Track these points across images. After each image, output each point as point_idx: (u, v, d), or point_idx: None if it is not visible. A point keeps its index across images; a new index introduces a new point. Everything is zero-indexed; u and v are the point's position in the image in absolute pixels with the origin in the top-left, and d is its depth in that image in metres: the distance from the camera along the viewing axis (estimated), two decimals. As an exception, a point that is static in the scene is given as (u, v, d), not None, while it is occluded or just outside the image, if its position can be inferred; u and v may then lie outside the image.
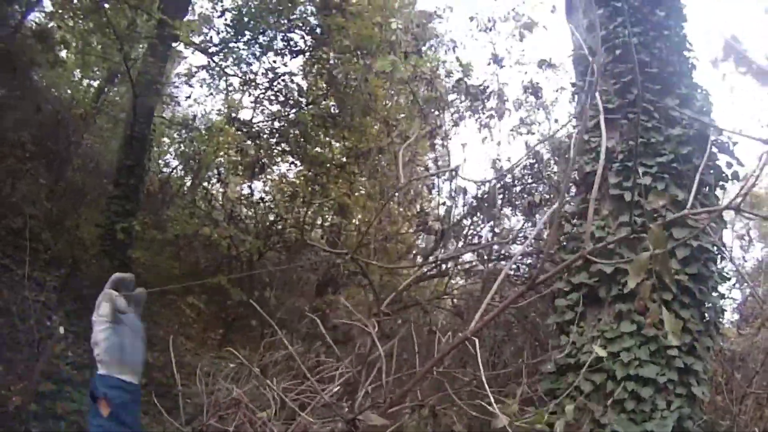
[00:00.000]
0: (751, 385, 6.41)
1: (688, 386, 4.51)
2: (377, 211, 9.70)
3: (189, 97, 10.76)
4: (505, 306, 5.12)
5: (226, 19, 9.98)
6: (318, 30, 9.55)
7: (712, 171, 5.10)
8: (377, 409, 4.20)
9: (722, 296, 5.24)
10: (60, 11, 9.44)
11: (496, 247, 8.80)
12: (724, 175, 5.20)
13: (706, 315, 4.83)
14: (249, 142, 10.20)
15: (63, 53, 10.24)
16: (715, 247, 5.01)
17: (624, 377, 4.71)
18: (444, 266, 9.35)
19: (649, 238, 4.37)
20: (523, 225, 9.09)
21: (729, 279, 5.43)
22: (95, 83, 11.89)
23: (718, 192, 5.23)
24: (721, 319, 5.41)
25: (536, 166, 8.96)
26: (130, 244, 9.05)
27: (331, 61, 9.58)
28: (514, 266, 8.56)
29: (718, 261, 5.10)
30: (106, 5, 8.67)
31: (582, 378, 4.71)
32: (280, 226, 9.92)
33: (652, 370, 4.58)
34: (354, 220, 11.00)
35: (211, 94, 11.10)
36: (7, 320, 7.61)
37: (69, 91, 11.29)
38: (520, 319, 7.93)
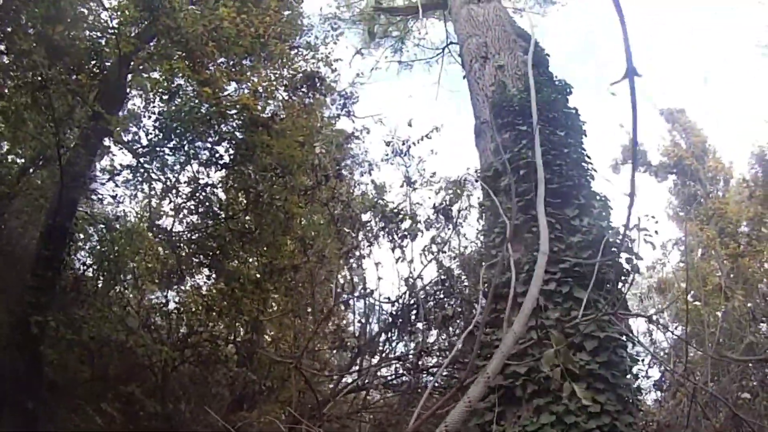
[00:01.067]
0: None
1: (617, 465, 4.72)
2: (302, 332, 9.76)
3: (115, 196, 10.65)
4: (433, 411, 5.32)
5: (156, 122, 10.17)
6: (243, 145, 9.91)
7: (612, 269, 5.67)
8: None
9: (636, 377, 5.63)
10: (2, 77, 9.31)
11: (413, 359, 9.01)
12: (625, 270, 5.80)
13: (623, 396, 5.16)
14: (168, 251, 10.12)
15: None
16: (623, 335, 5.46)
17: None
18: (361, 381, 9.39)
19: (552, 340, 4.86)
20: (437, 338, 9.39)
21: (638, 361, 5.86)
22: (20, 161, 11.46)
23: (623, 285, 5.80)
24: (639, 397, 5.77)
25: (448, 281, 9.43)
26: (41, 340, 8.50)
27: (253, 177, 9.91)
28: (435, 377, 8.76)
29: (630, 346, 5.55)
30: (49, 84, 8.68)
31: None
32: (194, 339, 9.69)
33: (577, 455, 4.78)
34: (267, 336, 10.90)
35: (135, 195, 11.03)
36: None
37: None
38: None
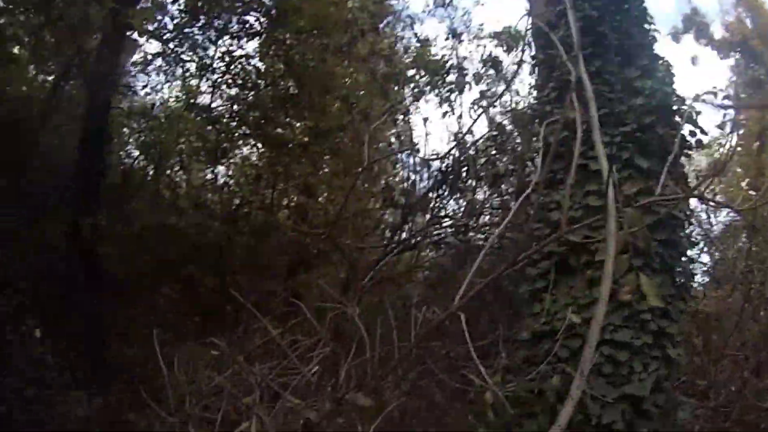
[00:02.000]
0: (726, 346, 6.67)
1: (663, 349, 4.67)
2: (346, 191, 9.70)
3: (146, 86, 10.51)
4: (489, 280, 5.24)
5: (180, 5, 9.68)
6: (273, 11, 9.35)
7: (676, 140, 5.26)
8: (362, 388, 4.27)
9: (692, 260, 5.43)
10: (10, 6, 9.04)
11: (463, 218, 8.94)
12: (688, 143, 5.38)
13: (677, 279, 5.00)
14: (209, 128, 10.02)
15: (15, 49, 9.81)
16: (683, 214, 5.18)
17: (600, 342, 4.85)
18: (413, 240, 9.45)
19: (626, 220, 4.53)
20: (489, 196, 9.21)
21: (697, 243, 5.63)
22: (50, 78, 11.44)
23: (684, 160, 5.41)
24: (692, 283, 5.61)
25: (499, 137, 9.06)
26: (97, 242, 8.85)
27: (288, 42, 9.43)
28: (482, 236, 8.72)
29: (686, 226, 5.29)
30: None
31: (558, 345, 4.86)
32: (246, 210, 9.83)
33: (626, 335, 4.71)
34: (320, 199, 10.98)
35: (168, 81, 10.84)
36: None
37: (24, 88, 10.85)
38: (493, 289, 8.07)
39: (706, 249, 8.80)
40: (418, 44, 10.11)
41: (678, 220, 5.09)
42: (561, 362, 5.01)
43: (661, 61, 5.79)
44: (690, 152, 5.47)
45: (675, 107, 5.36)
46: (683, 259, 5.12)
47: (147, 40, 10.40)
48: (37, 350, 7.45)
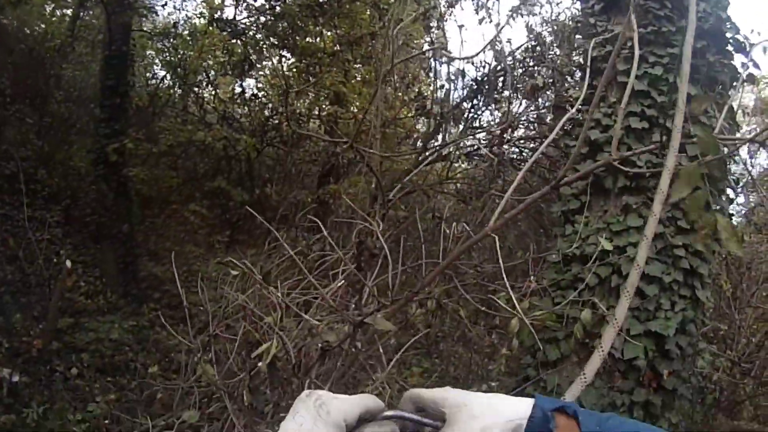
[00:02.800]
0: (753, 296, 6.53)
1: (692, 288, 4.58)
2: (371, 96, 9.42)
3: (165, 4, 10.17)
4: (528, 204, 5.11)
5: None
6: None
7: (726, 70, 4.91)
8: (385, 308, 4.28)
9: (731, 200, 5.22)
10: None
11: (498, 130, 8.67)
12: (738, 75, 5.02)
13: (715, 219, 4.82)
14: (235, 41, 9.70)
15: None
16: (728, 148, 4.92)
17: (629, 273, 4.77)
18: (445, 151, 9.26)
19: (700, 145, 4.26)
20: (526, 108, 8.89)
21: (739, 182, 5.40)
22: (69, 12, 11.20)
23: (732, 92, 5.08)
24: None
25: (538, 48, 8.62)
26: (124, 164, 8.90)
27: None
28: (516, 151, 8.51)
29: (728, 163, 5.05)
30: None
31: (587, 270, 4.80)
32: (276, 121, 9.68)
33: (657, 269, 4.62)
34: (351, 108, 10.75)
35: None
36: (16, 266, 7.66)
37: (42, 26, 10.64)
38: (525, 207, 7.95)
39: (742, 190, 8.45)
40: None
41: (722, 158, 4.83)
42: (590, 289, 4.98)
43: (716, -18, 5.33)
44: (740, 85, 5.12)
45: (729, 35, 4.96)
46: (722, 198, 4.91)
47: None
48: (69, 281, 7.64)
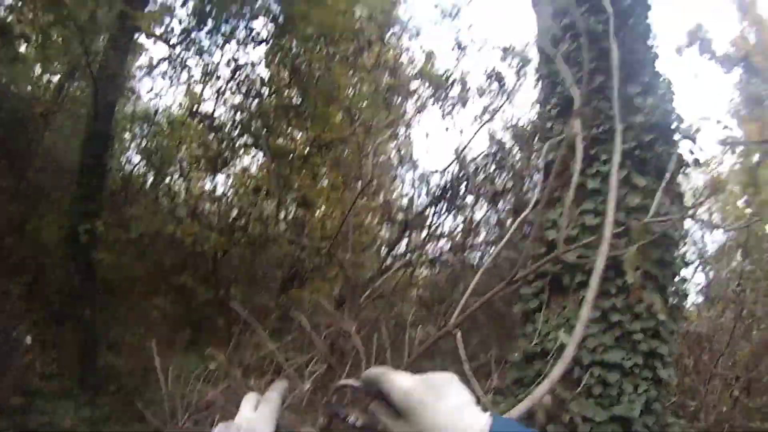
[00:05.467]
0: (717, 365, 6.55)
1: (653, 369, 4.58)
2: (345, 205, 9.62)
3: (151, 90, 10.54)
4: (486, 299, 5.10)
5: (187, 8, 9.73)
6: (281, 18, 9.35)
7: (674, 158, 5.16)
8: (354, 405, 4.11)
9: (684, 280, 5.32)
10: (19, 4, 9.09)
11: (461, 236, 8.83)
12: (685, 162, 5.28)
13: (670, 299, 4.89)
14: (211, 136, 9.97)
15: (22, 48, 9.86)
16: (677, 233, 5.08)
17: (590, 363, 4.74)
18: (409, 257, 9.33)
19: (633, 233, 4.39)
20: (487, 213, 9.11)
21: (690, 263, 5.52)
22: (55, 78, 11.51)
23: (681, 178, 5.32)
24: (684, 303, 5.50)
25: (499, 154, 8.98)
26: (94, 246, 8.78)
27: (294, 50, 9.41)
28: (478, 254, 8.62)
29: (680, 246, 5.18)
30: None
31: (549, 366, 4.73)
32: (243, 221, 9.74)
33: (617, 355, 4.63)
34: (317, 213, 10.89)
35: (173, 86, 10.85)
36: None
37: (29, 88, 10.89)
38: (486, 308, 7.96)
39: (700, 268, 8.68)
40: (423, 56, 10.09)
41: (672, 240, 4.98)
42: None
43: (662, 78, 5.73)
44: (687, 170, 5.37)
45: (674, 125, 5.27)
46: (676, 279, 5.00)
47: (154, 43, 10.44)
48: (27, 358, 7.30)
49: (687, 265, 5.30)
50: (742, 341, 7.06)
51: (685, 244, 5.40)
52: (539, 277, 5.52)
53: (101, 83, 9.26)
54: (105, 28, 9.76)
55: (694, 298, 9.02)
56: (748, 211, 10.43)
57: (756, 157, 16.20)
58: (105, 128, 9.72)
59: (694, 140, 5.22)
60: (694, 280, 8.75)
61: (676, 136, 5.26)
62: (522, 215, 4.93)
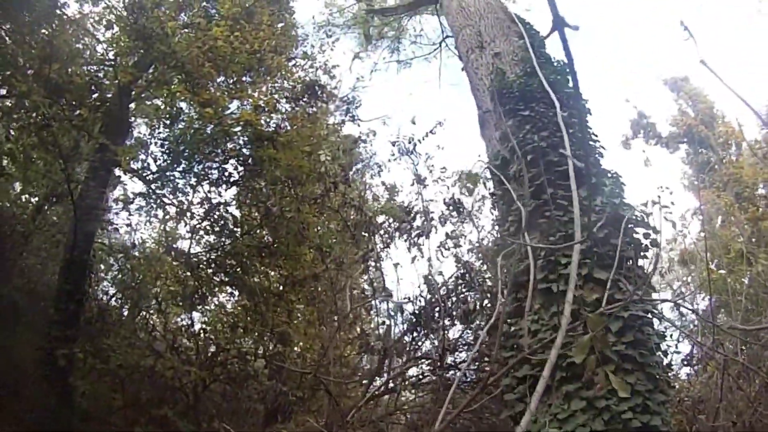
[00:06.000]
0: (716, 419, 6.63)
1: (651, 444, 4.68)
2: (322, 340, 9.78)
3: (129, 224, 10.89)
4: (461, 409, 5.30)
5: (163, 147, 10.29)
6: (251, 161, 9.98)
7: (632, 245, 5.62)
8: None
9: (665, 353, 5.56)
10: (6, 120, 9.48)
11: (438, 357, 8.98)
12: (643, 245, 5.74)
13: (654, 373, 5.10)
14: (187, 273, 10.22)
15: (5, 163, 10.15)
16: (648, 312, 5.40)
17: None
18: (392, 383, 9.38)
19: (589, 324, 4.81)
20: (462, 333, 9.35)
21: (665, 337, 5.80)
22: (34, 200, 11.77)
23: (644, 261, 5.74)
24: (670, 374, 5.71)
25: (467, 275, 9.39)
26: (70, 372, 8.66)
27: (264, 191, 9.96)
28: (460, 373, 8.71)
29: (657, 322, 5.49)
30: (52, 122, 8.84)
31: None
32: (222, 357, 9.76)
33: (612, 438, 4.74)
34: (295, 348, 10.94)
35: (149, 221, 11.23)
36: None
37: (8, 205, 11.09)
38: (476, 422, 8.02)
39: (680, 339, 8.94)
40: (386, 191, 10.74)
41: (643, 319, 5.29)
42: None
43: (609, 175, 6.31)
44: (646, 253, 5.80)
45: (627, 216, 5.76)
46: (657, 353, 5.25)
47: (130, 178, 10.89)
48: None
49: (663, 338, 5.57)
50: (734, 392, 7.21)
51: (661, 320, 5.71)
52: (521, 383, 5.71)
53: (80, 212, 9.56)
54: (85, 158, 10.23)
55: (684, 369, 9.31)
56: (722, 272, 10.97)
57: (719, 222, 17.09)
58: (83, 257, 9.88)
59: (646, 226, 5.72)
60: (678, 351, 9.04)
61: (630, 225, 5.75)
62: (485, 327, 5.26)
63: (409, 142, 10.69)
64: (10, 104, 9.58)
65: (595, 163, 6.53)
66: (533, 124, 6.82)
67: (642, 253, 5.78)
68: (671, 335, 8.08)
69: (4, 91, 9.59)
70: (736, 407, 7.22)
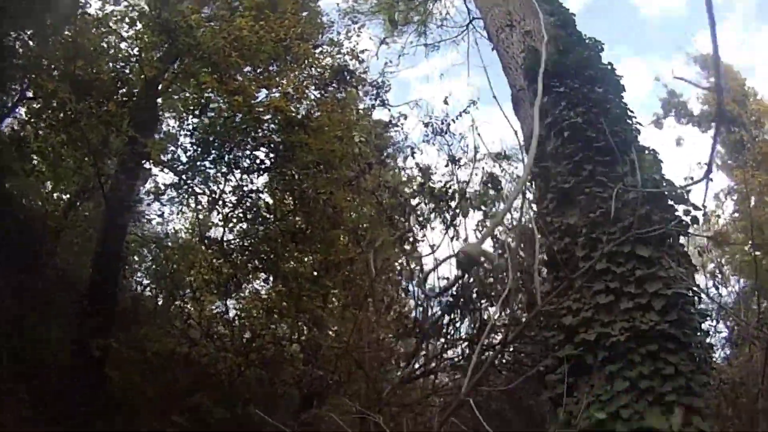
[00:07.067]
0: (756, 402, 6.47)
1: (691, 425, 4.56)
2: (363, 324, 9.77)
3: (161, 215, 11.02)
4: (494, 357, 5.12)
5: (193, 138, 10.37)
6: (282, 147, 9.98)
7: (672, 222, 5.45)
8: None
9: (707, 333, 5.43)
10: (35, 120, 9.65)
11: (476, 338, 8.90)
12: (684, 223, 5.56)
13: (695, 354, 4.97)
14: (221, 261, 10.31)
15: (36, 163, 10.36)
16: (690, 291, 5.24)
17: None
18: (428, 366, 9.35)
19: None
20: (500, 313, 9.24)
21: (708, 316, 5.64)
22: (65, 197, 12.00)
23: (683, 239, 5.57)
24: (712, 355, 5.57)
25: (505, 255, 9.24)
26: (104, 362, 8.83)
27: (297, 177, 9.96)
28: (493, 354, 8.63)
29: (697, 302, 5.34)
30: (80, 118, 8.96)
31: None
32: (257, 343, 9.83)
33: (654, 420, 4.63)
34: (330, 332, 10.97)
35: (181, 212, 11.35)
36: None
37: (40, 203, 11.33)
38: (515, 405, 7.96)
39: (720, 320, 8.73)
40: (420, 174, 10.63)
41: (686, 298, 5.14)
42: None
43: (647, 151, 6.13)
44: (688, 230, 5.63)
45: (666, 192, 5.59)
46: (698, 334, 5.11)
47: (161, 170, 11.02)
48: None
49: (705, 318, 5.41)
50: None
51: (701, 299, 5.55)
52: (561, 363, 5.61)
53: (112, 205, 9.69)
54: (115, 152, 10.37)
55: (721, 351, 9.10)
56: (757, 253, 10.69)
57: (752, 201, 16.61)
58: (116, 249, 10.11)
59: (686, 202, 5.54)
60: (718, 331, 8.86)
61: (671, 202, 5.57)
62: (535, 309, 5.16)
63: (442, 123, 10.57)
64: (37, 105, 9.73)
65: (633, 140, 6.34)
66: (568, 100, 6.66)
67: (683, 231, 5.60)
68: (711, 315, 7.88)
69: (30, 93, 9.74)
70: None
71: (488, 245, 9.53)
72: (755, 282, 7.97)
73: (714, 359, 9.10)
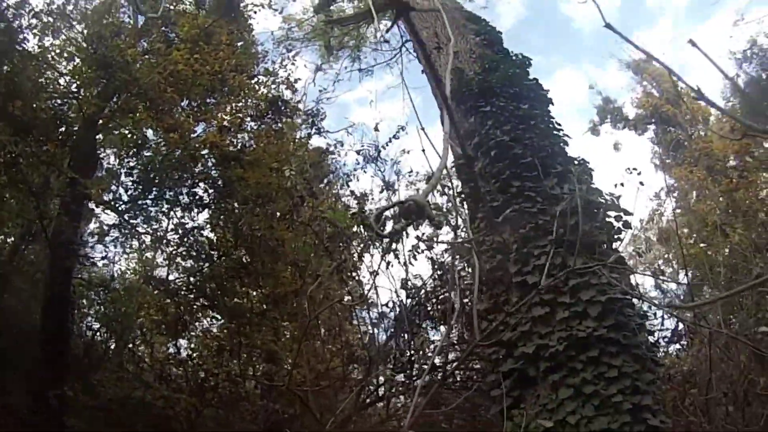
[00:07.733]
0: (709, 391, 6.66)
1: (644, 422, 4.74)
2: (304, 353, 9.70)
3: (106, 257, 10.79)
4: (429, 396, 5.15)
5: (133, 176, 10.24)
6: (220, 182, 9.94)
7: (603, 229, 5.66)
8: None
9: (650, 332, 5.60)
10: None
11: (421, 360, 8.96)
12: (616, 228, 5.79)
13: (639, 354, 5.14)
14: (168, 301, 10.13)
15: None
16: (626, 294, 5.44)
17: (579, 435, 4.85)
18: (381, 391, 9.34)
19: None
20: (448, 333, 9.31)
21: (647, 317, 5.84)
22: (10, 240, 11.62)
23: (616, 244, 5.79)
24: (659, 351, 5.75)
25: (444, 276, 9.38)
26: (63, 411, 8.52)
27: (236, 212, 9.91)
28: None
29: (637, 303, 5.54)
30: (21, 160, 8.72)
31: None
32: (212, 382, 9.66)
33: (602, 422, 4.78)
34: (285, 366, 10.85)
35: (125, 252, 11.14)
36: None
37: None
38: (470, 422, 8.05)
39: (665, 316, 8.99)
40: (355, 201, 10.72)
41: (622, 301, 5.33)
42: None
43: (575, 162, 6.36)
44: (619, 236, 5.85)
45: (601, 199, 5.80)
46: (639, 334, 5.30)
47: (103, 211, 10.79)
48: None
49: (645, 318, 5.62)
50: (726, 362, 7.25)
51: (638, 299, 5.76)
52: (506, 377, 5.72)
53: (56, 249, 9.45)
54: (57, 193, 10.11)
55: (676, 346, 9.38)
56: (701, 246, 11.13)
57: (693, 197, 17.26)
58: (63, 294, 9.75)
59: (617, 208, 5.77)
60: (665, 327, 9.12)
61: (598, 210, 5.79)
62: (474, 329, 5.24)
63: (375, 150, 10.70)
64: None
65: (560, 152, 6.58)
66: (495, 119, 6.89)
67: (615, 236, 5.83)
68: (655, 314, 8.16)
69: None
70: (729, 377, 7.29)
71: (427, 267, 9.66)
72: (687, 276, 8.32)
73: (671, 354, 9.43)
